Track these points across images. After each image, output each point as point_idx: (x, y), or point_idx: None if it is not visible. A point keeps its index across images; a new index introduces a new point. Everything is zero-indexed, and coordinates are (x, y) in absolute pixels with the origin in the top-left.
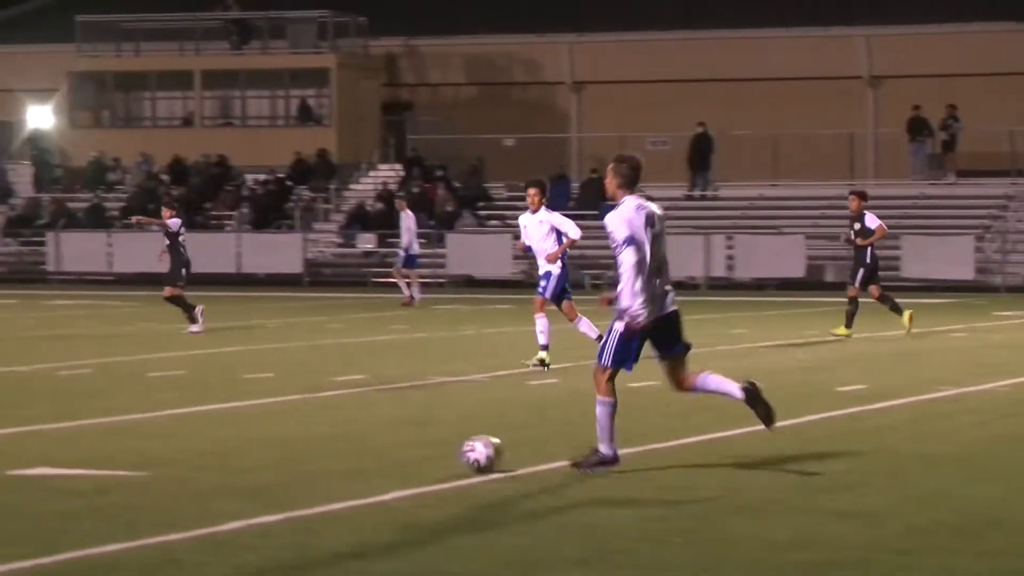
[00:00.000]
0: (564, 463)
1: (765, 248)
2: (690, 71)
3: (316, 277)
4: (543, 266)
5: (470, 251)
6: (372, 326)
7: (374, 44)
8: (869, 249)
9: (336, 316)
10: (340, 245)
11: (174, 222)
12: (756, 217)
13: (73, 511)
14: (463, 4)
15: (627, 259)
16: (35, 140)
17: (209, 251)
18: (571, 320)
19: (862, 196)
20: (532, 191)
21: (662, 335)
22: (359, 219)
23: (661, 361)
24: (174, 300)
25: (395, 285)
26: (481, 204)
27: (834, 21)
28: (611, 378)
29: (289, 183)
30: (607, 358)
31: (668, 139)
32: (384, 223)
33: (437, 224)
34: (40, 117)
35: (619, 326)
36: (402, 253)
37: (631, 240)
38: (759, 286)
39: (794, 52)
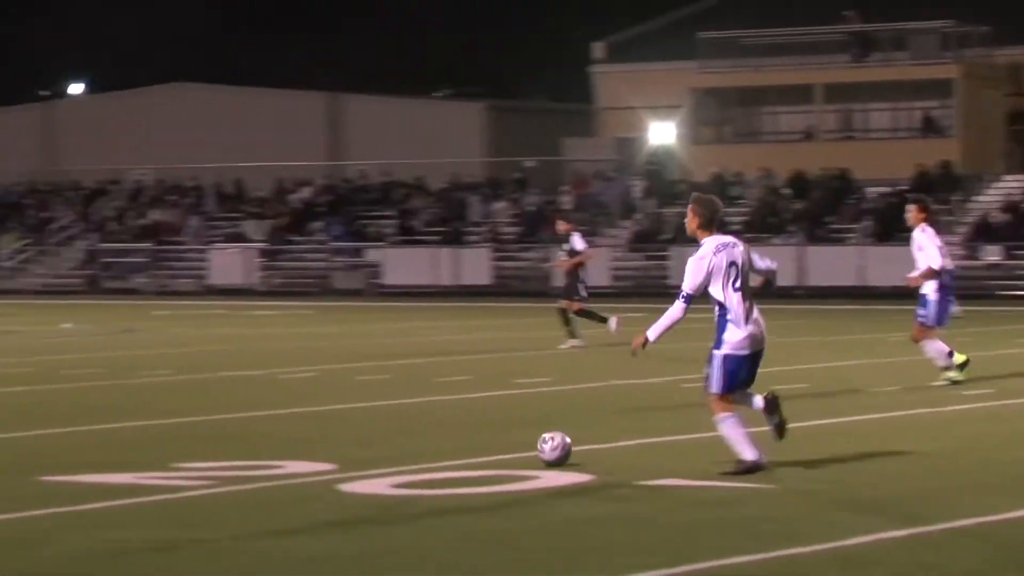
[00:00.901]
0: None
1: None
2: None
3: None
4: (923, 289)
5: None
6: (998, 339)
7: (999, 53)
8: None
9: (960, 330)
10: (964, 257)
11: (578, 241)
12: None
13: (701, 522)
14: None
15: (676, 310)
16: (653, 156)
17: (831, 265)
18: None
19: None
20: (909, 207)
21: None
22: (983, 231)
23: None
24: (580, 313)
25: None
26: None
27: None
28: (724, 400)
29: (911, 195)
30: (717, 384)
31: None
32: (1010, 235)
33: None
34: (662, 133)
35: (718, 353)
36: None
37: (689, 298)
38: None
39: None
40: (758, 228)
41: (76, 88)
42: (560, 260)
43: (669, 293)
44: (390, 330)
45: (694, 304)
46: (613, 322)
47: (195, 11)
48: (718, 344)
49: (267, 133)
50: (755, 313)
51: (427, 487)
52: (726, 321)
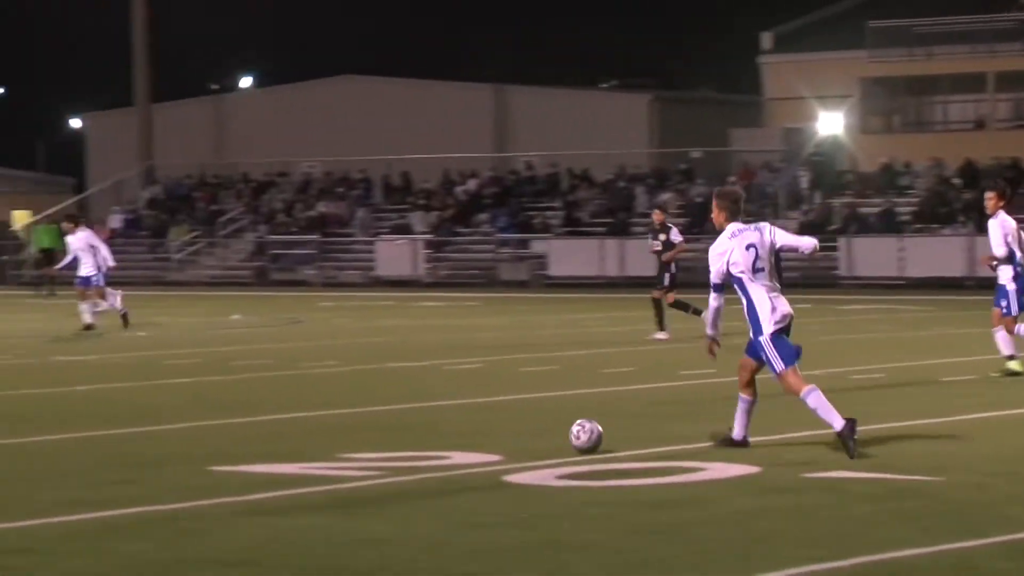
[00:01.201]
0: None
1: None
2: None
3: None
4: (1000, 280)
5: None
6: None
7: None
8: None
9: None
10: None
11: (675, 233)
12: None
13: (870, 514)
14: None
15: (711, 301)
16: (819, 146)
17: None
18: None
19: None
20: (988, 194)
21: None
22: None
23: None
24: (657, 303)
25: None
26: None
27: None
28: (795, 373)
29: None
30: (779, 364)
31: None
32: None
33: None
34: (831, 123)
35: (763, 338)
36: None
37: (718, 287)
38: None
39: None
40: (928, 218)
41: (245, 82)
42: (653, 247)
43: (838, 284)
44: (555, 321)
45: (851, 296)
46: (662, 335)
47: (361, 4)
48: (758, 331)
49: (434, 125)
50: (778, 292)
51: (592, 478)
52: (753, 306)
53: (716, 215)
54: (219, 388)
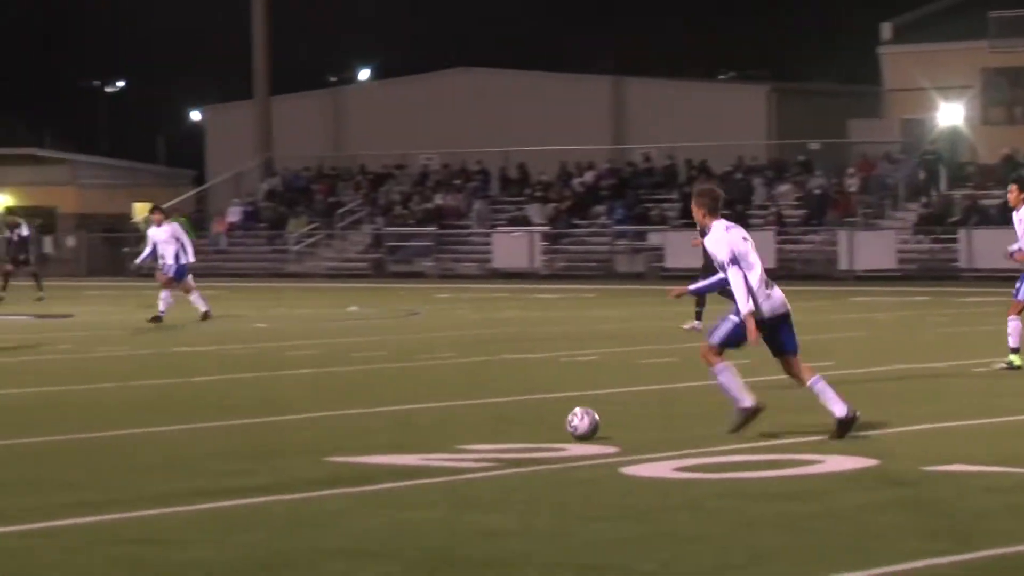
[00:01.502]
0: None
1: None
2: None
3: None
4: None
5: None
6: None
7: None
8: None
9: None
10: None
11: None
12: None
13: (990, 508)
14: None
15: (735, 277)
16: (936, 138)
17: None
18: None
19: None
20: (1011, 187)
21: (773, 335)
22: None
23: (775, 358)
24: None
25: None
26: None
27: None
28: (718, 352)
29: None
30: (718, 338)
31: None
32: None
33: None
34: (951, 114)
35: (735, 318)
36: None
37: (734, 260)
38: None
39: None
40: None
41: (363, 74)
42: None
43: (958, 276)
44: (672, 313)
45: (971, 288)
46: (689, 325)
47: None
48: (736, 312)
49: (551, 117)
50: (769, 284)
51: (709, 471)
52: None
53: (697, 213)
54: (337, 379)
